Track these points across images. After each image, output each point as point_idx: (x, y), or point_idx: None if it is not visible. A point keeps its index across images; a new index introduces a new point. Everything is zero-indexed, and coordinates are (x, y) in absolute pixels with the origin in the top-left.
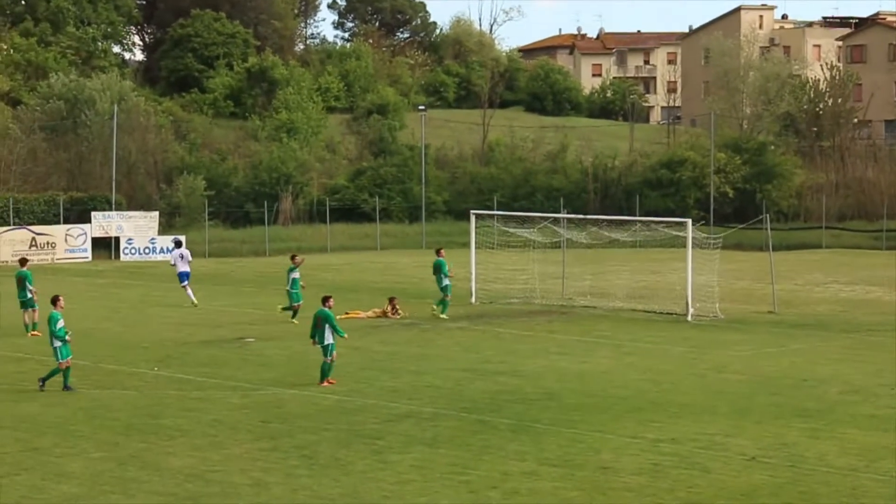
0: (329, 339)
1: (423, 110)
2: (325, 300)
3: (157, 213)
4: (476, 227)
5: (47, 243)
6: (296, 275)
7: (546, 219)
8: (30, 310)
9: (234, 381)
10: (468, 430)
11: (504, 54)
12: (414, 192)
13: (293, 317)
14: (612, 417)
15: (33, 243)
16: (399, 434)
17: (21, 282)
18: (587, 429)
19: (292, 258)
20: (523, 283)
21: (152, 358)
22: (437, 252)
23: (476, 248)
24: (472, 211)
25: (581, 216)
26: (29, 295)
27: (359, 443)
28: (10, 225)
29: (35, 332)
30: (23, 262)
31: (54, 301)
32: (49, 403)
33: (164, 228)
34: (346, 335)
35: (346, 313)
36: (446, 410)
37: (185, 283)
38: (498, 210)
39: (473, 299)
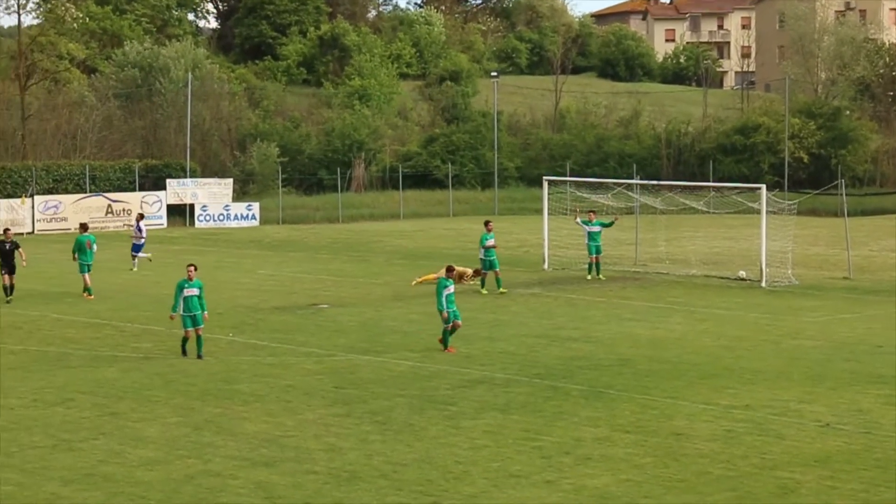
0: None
1: (495, 77)
2: (449, 270)
3: (230, 181)
4: (549, 194)
5: (123, 210)
6: (491, 242)
7: (619, 185)
8: (87, 273)
9: (307, 347)
10: (541, 396)
11: (577, 20)
12: (486, 159)
13: (483, 286)
14: (685, 384)
15: (109, 210)
16: (472, 400)
17: (83, 246)
18: (660, 395)
19: (486, 224)
20: None
21: (227, 324)
22: (486, 224)
23: (549, 214)
24: (544, 177)
25: (654, 182)
26: (91, 259)
27: (432, 408)
28: (86, 192)
29: (90, 296)
30: (84, 227)
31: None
32: (126, 369)
33: (238, 195)
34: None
35: (419, 279)
36: (519, 376)
37: (139, 252)
38: (570, 176)
39: (546, 265)
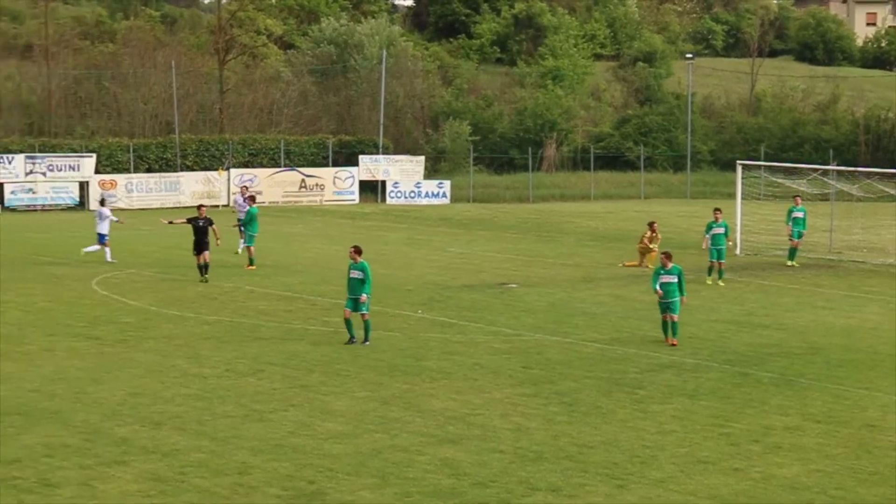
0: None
1: (690, 58)
2: (667, 257)
3: (422, 158)
4: (742, 178)
5: (316, 185)
6: (719, 230)
7: (815, 170)
8: (251, 246)
9: (495, 326)
10: (730, 382)
11: (775, 2)
12: (679, 141)
13: (711, 274)
14: (879, 375)
15: (302, 185)
16: (660, 384)
17: (254, 219)
18: (853, 385)
19: (715, 212)
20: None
21: (416, 301)
22: (715, 212)
23: (742, 199)
24: (738, 161)
25: (852, 168)
26: (257, 230)
27: (619, 391)
28: (280, 166)
29: (251, 267)
30: (252, 199)
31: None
32: (316, 342)
33: (430, 173)
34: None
35: (623, 264)
36: (708, 362)
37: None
38: (764, 161)
39: (738, 251)
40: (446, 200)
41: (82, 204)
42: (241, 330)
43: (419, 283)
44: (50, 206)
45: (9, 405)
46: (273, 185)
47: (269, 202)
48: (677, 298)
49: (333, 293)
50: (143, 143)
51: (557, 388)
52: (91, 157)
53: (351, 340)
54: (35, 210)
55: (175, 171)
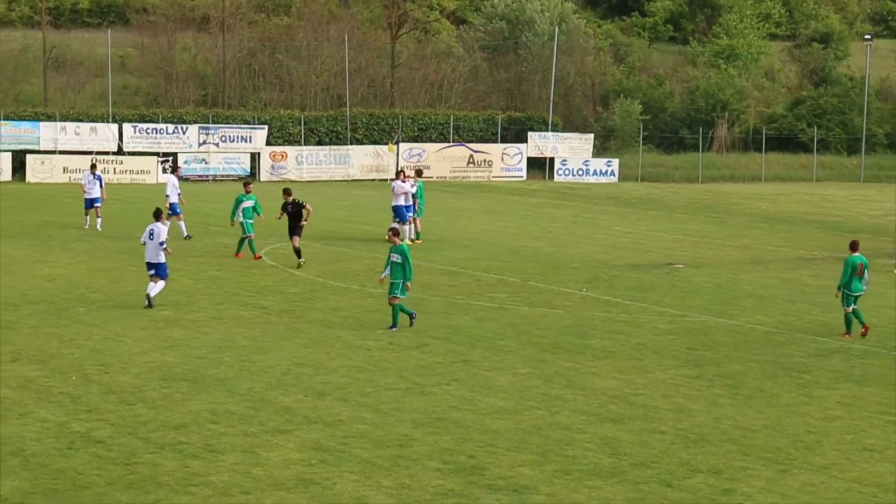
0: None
1: (868, 40)
2: (853, 248)
3: (591, 136)
4: None
5: (484, 161)
6: None
7: None
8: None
9: (660, 307)
10: None
11: None
12: (854, 124)
13: None
14: None
15: (470, 160)
16: (827, 369)
17: (420, 192)
18: None
19: None
20: None
21: (581, 279)
22: None
23: None
24: None
25: None
26: (424, 204)
27: (785, 375)
28: (449, 142)
29: (418, 241)
30: (419, 173)
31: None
32: (480, 318)
33: (598, 151)
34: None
35: None
36: (878, 348)
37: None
38: None
39: None
40: (614, 179)
41: (253, 175)
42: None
43: (584, 261)
44: (221, 176)
45: (177, 371)
46: (441, 160)
47: (437, 177)
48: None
49: (498, 269)
50: (315, 116)
51: (722, 371)
52: (263, 128)
53: (405, 323)
54: (207, 180)
55: (345, 144)
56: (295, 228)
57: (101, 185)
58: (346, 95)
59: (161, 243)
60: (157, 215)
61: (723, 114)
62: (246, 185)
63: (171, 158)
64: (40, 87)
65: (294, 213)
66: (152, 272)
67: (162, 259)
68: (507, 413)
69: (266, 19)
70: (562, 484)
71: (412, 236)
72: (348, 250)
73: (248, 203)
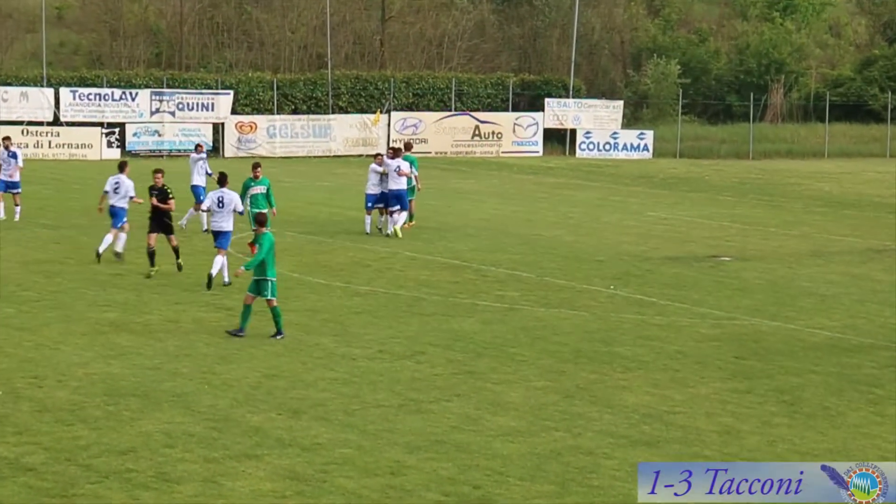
0: None
1: None
2: None
3: (621, 103)
4: None
5: (492, 133)
6: None
7: None
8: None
9: (703, 308)
10: None
11: None
12: None
13: None
14: None
15: (476, 133)
16: None
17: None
18: None
19: None
20: None
21: (608, 274)
22: None
23: None
24: None
25: None
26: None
27: (852, 390)
28: (451, 110)
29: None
30: (408, 146)
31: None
32: (487, 321)
33: (629, 121)
34: None
35: None
36: None
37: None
38: None
39: None
40: (648, 154)
41: (216, 150)
42: (398, 304)
43: (612, 253)
44: (178, 151)
45: (125, 385)
46: (441, 131)
47: (436, 152)
48: None
49: (509, 262)
50: (289, 80)
51: (776, 384)
52: (228, 94)
53: (238, 332)
54: (160, 156)
55: (326, 113)
56: (161, 223)
57: (17, 164)
58: (327, 55)
59: (236, 210)
60: (223, 180)
61: (778, 77)
62: (255, 167)
63: (117, 130)
64: None
65: (160, 204)
66: (219, 242)
67: (229, 227)
68: (520, 435)
69: None
70: None
71: (394, 227)
72: (329, 240)
73: (257, 189)
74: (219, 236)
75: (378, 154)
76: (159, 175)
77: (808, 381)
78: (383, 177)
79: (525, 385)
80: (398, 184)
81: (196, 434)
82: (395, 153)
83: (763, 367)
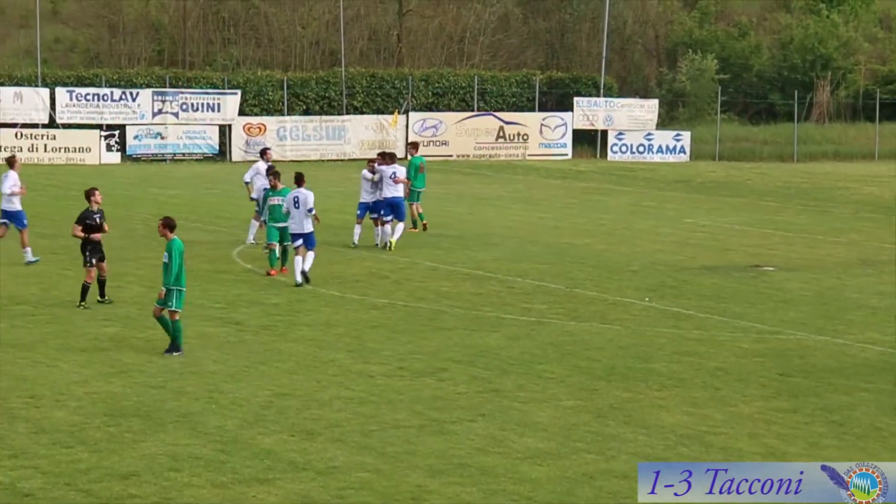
0: None
1: None
2: None
3: (655, 102)
4: None
5: (518, 135)
6: None
7: None
8: (417, 203)
9: (745, 321)
10: None
11: None
12: None
13: None
14: None
15: (500, 134)
16: None
17: (419, 169)
18: None
19: None
20: None
21: (642, 285)
22: None
23: None
24: None
25: None
26: (423, 186)
27: None
28: (473, 110)
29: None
30: (415, 146)
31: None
32: (513, 335)
33: (664, 121)
34: None
35: None
36: None
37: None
38: None
39: None
40: (685, 157)
41: (223, 153)
42: (418, 317)
43: (647, 262)
44: (182, 155)
45: (127, 405)
46: (463, 133)
47: (458, 155)
48: None
49: (536, 273)
50: (301, 79)
51: (824, 403)
52: (235, 94)
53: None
54: (163, 160)
55: (339, 113)
56: (97, 249)
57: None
58: (340, 51)
59: (310, 210)
60: (300, 180)
61: (824, 73)
62: (274, 175)
63: (117, 132)
64: None
65: (96, 227)
66: (299, 243)
67: (310, 228)
68: (549, 457)
69: None
70: None
71: (390, 240)
72: (343, 250)
73: (276, 200)
74: (297, 238)
75: (370, 160)
76: (96, 194)
77: (858, 399)
78: (377, 184)
79: (554, 404)
80: (394, 191)
81: (203, 457)
82: (387, 159)
83: (810, 385)
